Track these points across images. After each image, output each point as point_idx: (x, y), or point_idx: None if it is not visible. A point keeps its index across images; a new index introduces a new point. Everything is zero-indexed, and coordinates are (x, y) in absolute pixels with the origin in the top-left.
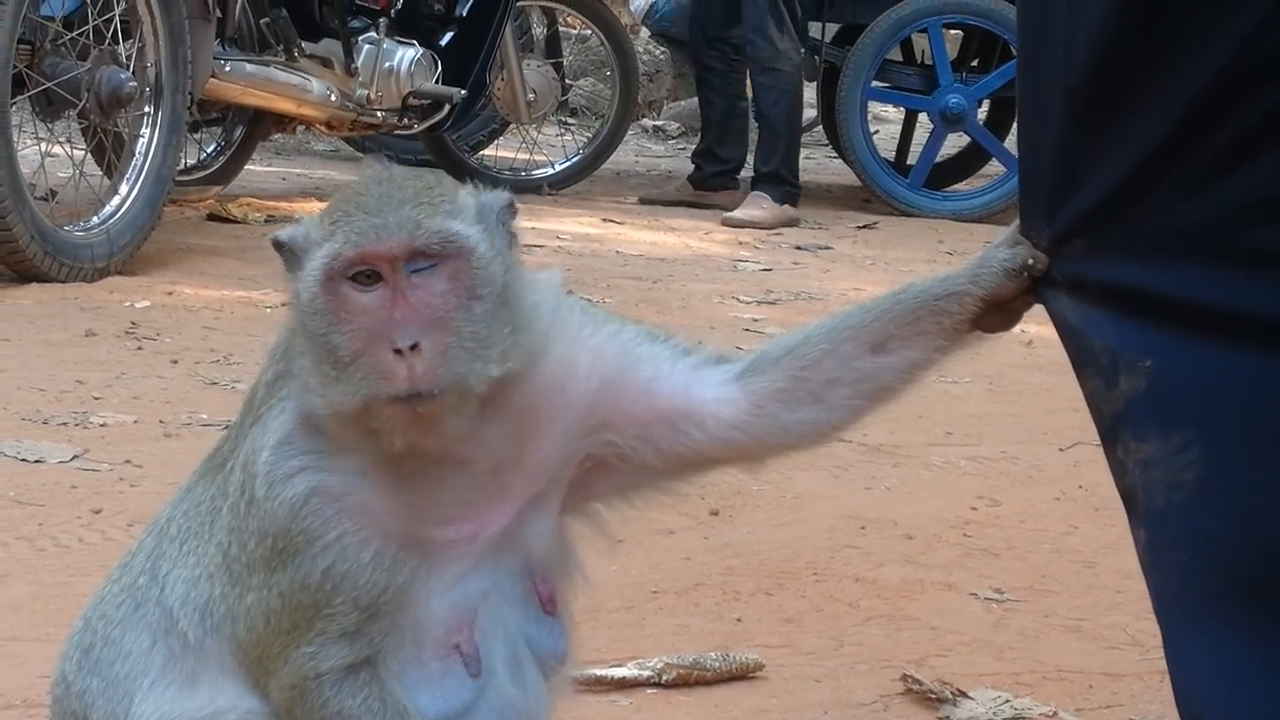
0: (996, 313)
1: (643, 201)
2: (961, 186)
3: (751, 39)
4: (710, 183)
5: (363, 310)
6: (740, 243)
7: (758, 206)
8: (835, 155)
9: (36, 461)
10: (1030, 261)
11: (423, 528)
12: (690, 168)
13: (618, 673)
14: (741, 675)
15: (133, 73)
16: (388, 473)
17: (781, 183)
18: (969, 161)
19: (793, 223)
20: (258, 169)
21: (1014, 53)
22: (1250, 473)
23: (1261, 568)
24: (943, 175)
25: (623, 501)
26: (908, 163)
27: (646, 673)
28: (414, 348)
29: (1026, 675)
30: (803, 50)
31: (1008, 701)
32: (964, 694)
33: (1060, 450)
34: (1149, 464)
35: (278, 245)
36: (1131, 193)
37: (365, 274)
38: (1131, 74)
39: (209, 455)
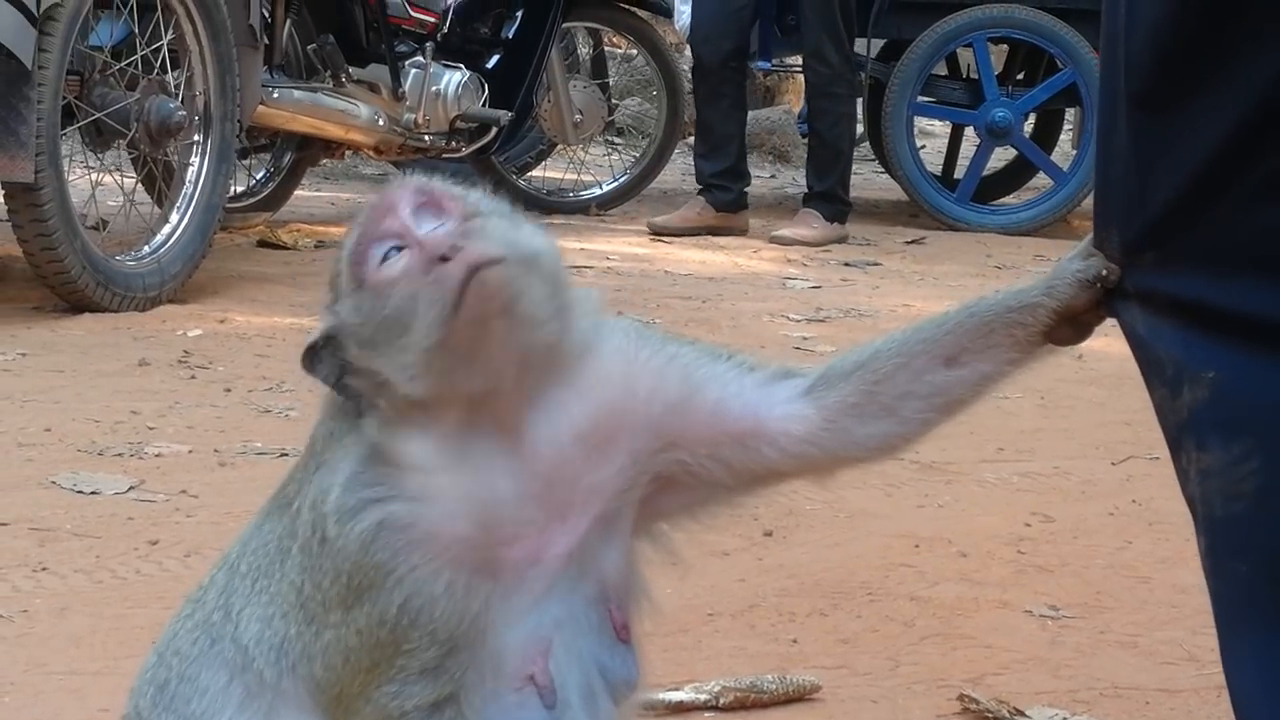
0: (1068, 325)
1: (653, 230)
2: (1009, 200)
3: (809, 63)
4: (736, 204)
5: (400, 273)
6: (789, 260)
7: (808, 225)
8: (882, 170)
9: (93, 493)
10: (1104, 273)
11: (489, 549)
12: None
13: (674, 696)
14: (798, 697)
15: (181, 101)
16: (457, 476)
17: (835, 201)
18: (1016, 175)
19: (842, 239)
20: (307, 194)
21: (1059, 65)
22: None
23: None
24: (990, 189)
25: (690, 519)
26: (955, 177)
27: (703, 696)
28: (453, 249)
29: (1083, 692)
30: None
31: (1065, 719)
32: (1021, 713)
33: (1113, 464)
34: (1209, 474)
35: (319, 345)
36: (1198, 204)
37: (389, 250)
38: (1190, 78)
39: (275, 494)
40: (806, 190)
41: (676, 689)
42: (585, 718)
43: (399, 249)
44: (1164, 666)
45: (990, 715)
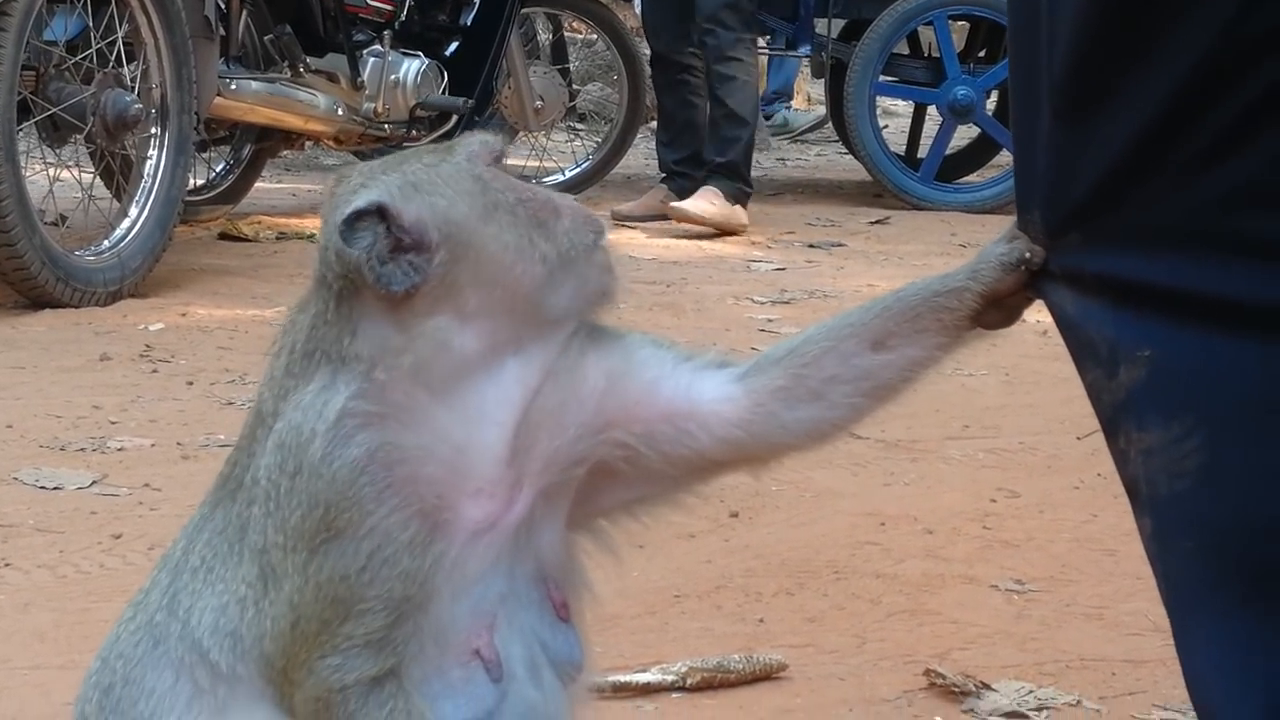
0: (996, 309)
1: (615, 218)
2: (973, 178)
3: (708, 28)
4: (749, 196)
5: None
6: (753, 243)
7: (708, 200)
8: (845, 151)
9: (55, 489)
10: (1027, 255)
11: (453, 502)
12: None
13: (641, 678)
14: (765, 676)
15: (138, 95)
16: (450, 412)
17: (737, 179)
18: (979, 153)
19: (740, 228)
20: (267, 186)
21: None
22: (1252, 460)
23: (1267, 556)
24: (953, 167)
25: (629, 517)
26: (918, 156)
27: (670, 677)
28: None
29: (1049, 665)
30: (808, 47)
31: (1031, 692)
32: (988, 686)
33: (1078, 439)
34: (1151, 453)
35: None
36: (1123, 183)
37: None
38: (1114, 63)
39: (218, 484)
40: (706, 165)
41: (643, 670)
42: (532, 691)
43: None
44: (1130, 638)
45: (957, 690)
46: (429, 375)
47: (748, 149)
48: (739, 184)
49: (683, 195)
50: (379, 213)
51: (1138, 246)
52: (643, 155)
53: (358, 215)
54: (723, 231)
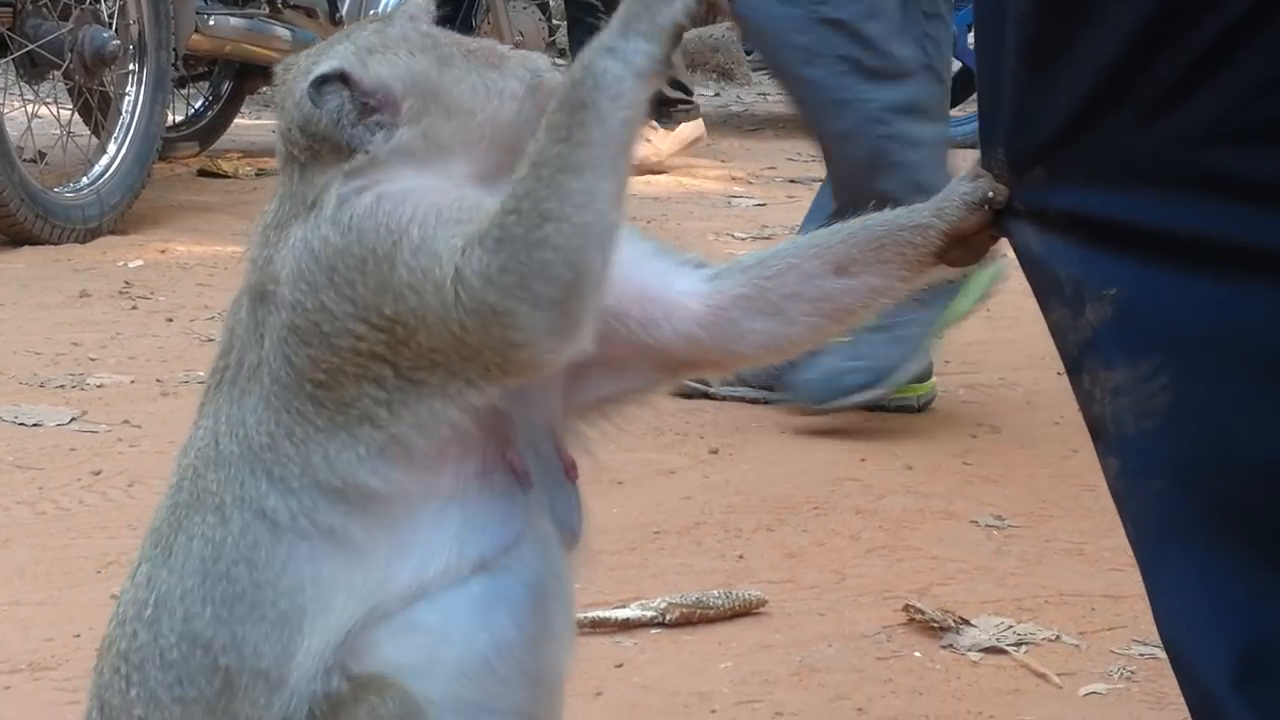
0: (961, 247)
1: None
2: (953, 113)
3: None
4: (676, 113)
5: None
6: (734, 178)
7: (647, 140)
8: None
9: (35, 425)
10: (990, 194)
11: None
12: None
13: (621, 614)
14: (745, 612)
15: (115, 31)
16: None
17: (667, 102)
18: (959, 88)
19: (698, 140)
20: (246, 122)
21: None
22: (1220, 398)
23: (1235, 494)
24: None
25: (603, 417)
26: None
27: (650, 613)
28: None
29: (1029, 600)
30: None
31: (1010, 627)
32: (966, 621)
33: (1058, 374)
34: (1118, 392)
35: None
36: (1089, 119)
37: None
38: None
39: (226, 379)
40: None
41: (623, 606)
42: (543, 525)
43: None
44: (1109, 573)
45: (935, 625)
46: (413, 167)
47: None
48: (673, 105)
49: (658, 117)
50: (341, 79)
51: (1104, 183)
52: None
53: (322, 80)
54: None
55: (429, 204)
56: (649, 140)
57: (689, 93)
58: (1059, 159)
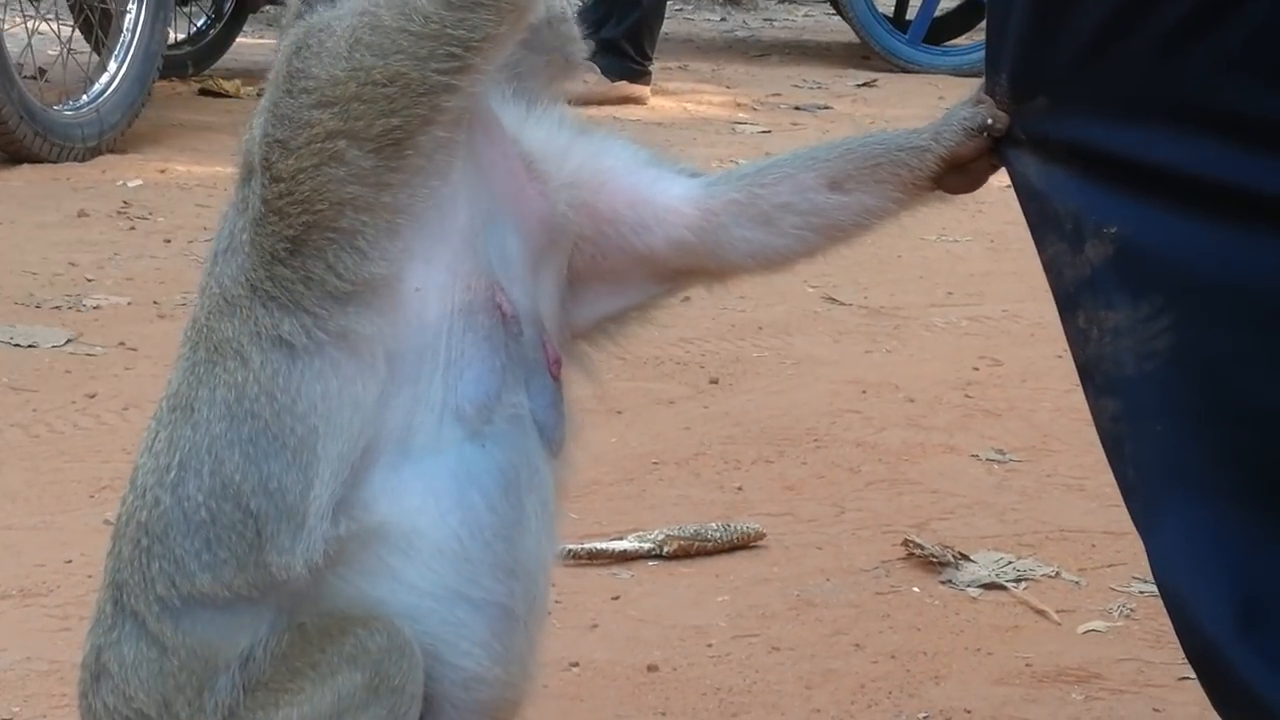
0: (960, 173)
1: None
2: (961, 40)
3: None
4: (624, 69)
5: None
6: (738, 105)
7: (583, 79)
8: (833, 13)
9: (30, 346)
10: (990, 121)
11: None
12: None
13: (618, 545)
14: (743, 545)
15: None
16: None
17: (618, 55)
18: (968, 15)
19: (624, 100)
20: (249, 41)
21: None
22: (1222, 344)
23: (1237, 440)
24: (942, 30)
25: (604, 335)
26: (906, 18)
27: (647, 545)
28: None
29: (1029, 536)
30: None
31: (1010, 563)
32: (965, 557)
33: None
34: (1119, 332)
35: None
36: (1098, 49)
37: None
38: None
39: (212, 261)
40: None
41: (620, 538)
42: (518, 410)
43: None
44: (1110, 509)
45: (934, 560)
46: None
47: (636, 27)
48: (624, 61)
49: (622, 76)
50: None
51: (1110, 115)
52: None
53: None
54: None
55: None
56: (585, 81)
57: (646, 59)
58: (1064, 88)
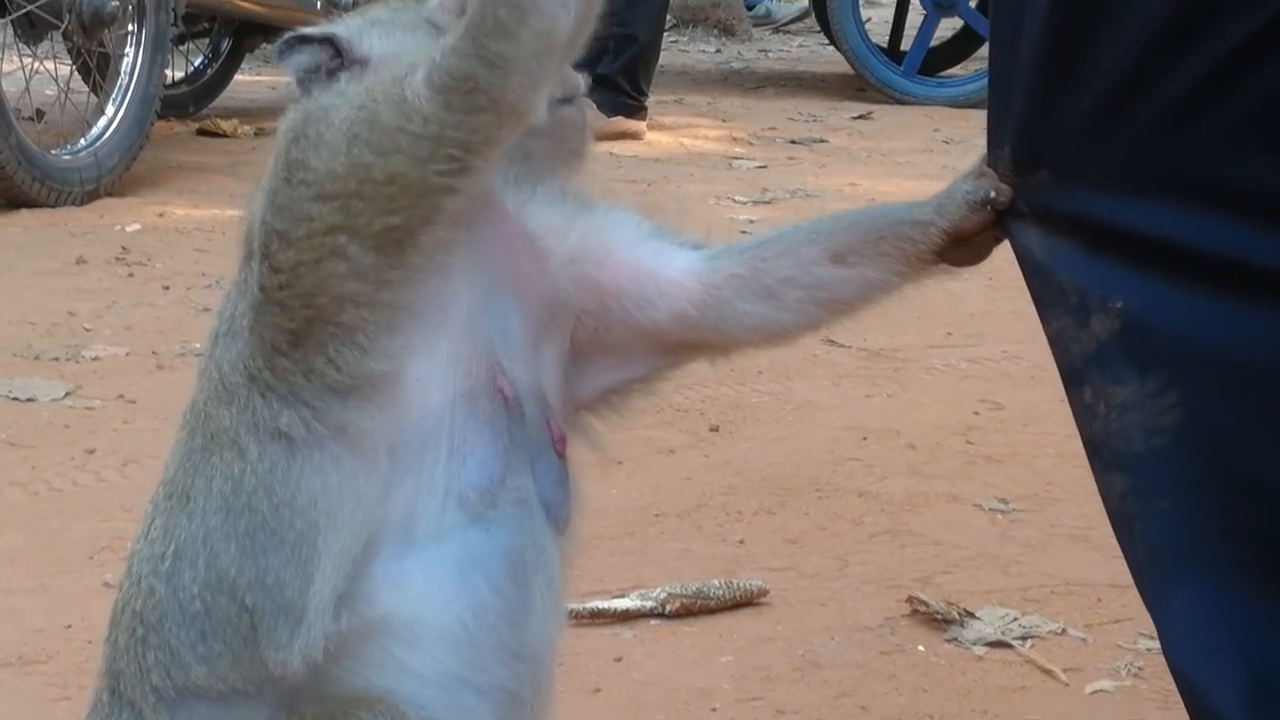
0: (963, 246)
1: None
2: (956, 71)
3: None
4: (620, 105)
5: None
6: (735, 139)
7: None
8: (828, 42)
9: (29, 400)
10: (993, 194)
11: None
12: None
13: (620, 604)
14: (746, 602)
15: None
16: None
17: (615, 91)
18: (962, 46)
19: (632, 136)
20: (246, 78)
21: None
22: (1231, 419)
23: (1247, 517)
24: (937, 60)
25: (609, 408)
26: (901, 49)
27: (649, 603)
28: None
29: (1034, 590)
30: None
31: (1015, 620)
32: (971, 614)
33: None
34: (1126, 407)
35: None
36: (1101, 122)
37: None
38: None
39: (212, 343)
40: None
41: (622, 596)
42: (524, 493)
43: None
44: (1115, 560)
45: (940, 617)
46: None
47: (633, 62)
48: (620, 96)
49: (617, 111)
50: (328, 42)
51: (1113, 188)
52: None
53: (302, 39)
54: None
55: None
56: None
57: (642, 94)
58: (1067, 161)
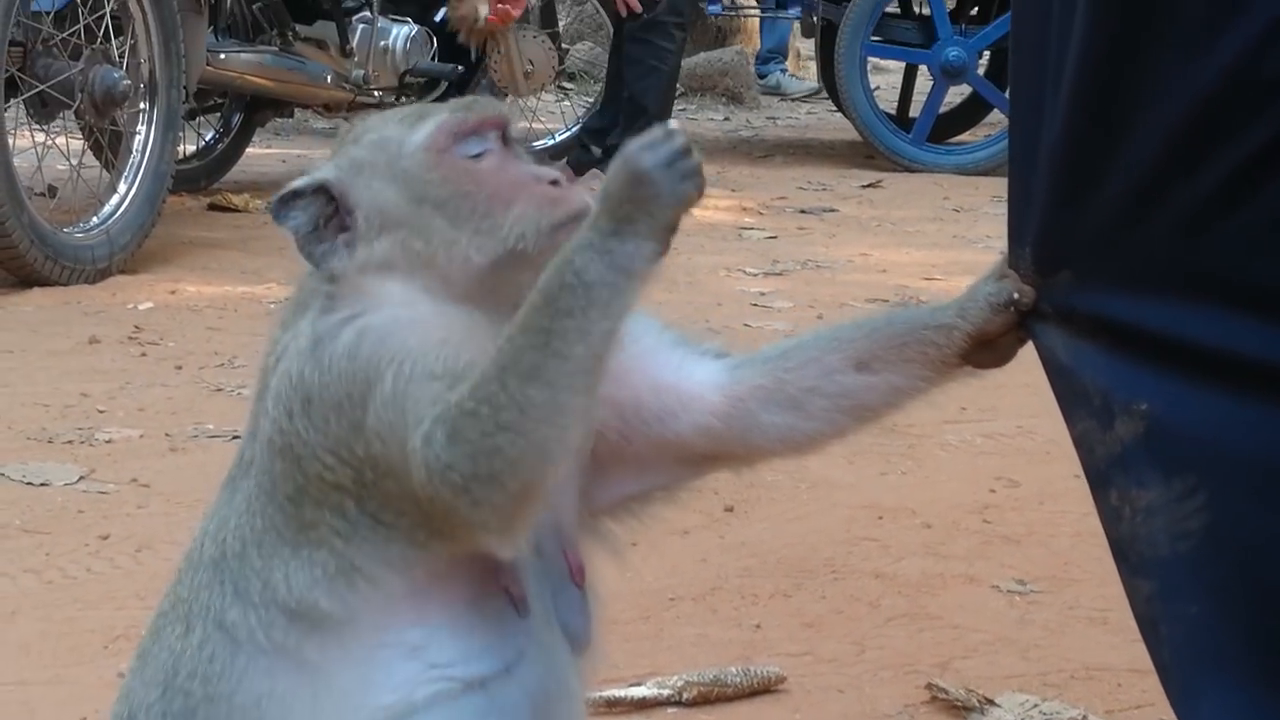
0: (987, 349)
1: None
2: (965, 138)
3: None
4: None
5: (489, 170)
6: (744, 209)
7: (589, 186)
8: (836, 110)
9: (42, 485)
10: (1016, 296)
11: None
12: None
13: (637, 693)
14: (763, 689)
15: (126, 70)
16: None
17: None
18: (971, 112)
19: None
20: (257, 152)
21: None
22: (1260, 523)
23: (1275, 624)
24: (945, 127)
25: (628, 515)
26: (910, 116)
27: (666, 692)
28: (557, 181)
29: (1053, 675)
30: (798, 8)
31: (1035, 706)
32: (991, 701)
33: None
34: (1152, 511)
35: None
36: (1122, 224)
37: (472, 147)
38: (1114, 101)
39: (228, 478)
40: (603, 146)
41: (639, 684)
42: (548, 633)
43: (481, 153)
44: (1135, 644)
45: (959, 705)
46: (394, 284)
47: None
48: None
49: (578, 169)
50: (324, 190)
51: (1136, 289)
52: None
53: (294, 194)
54: None
55: (409, 347)
56: (593, 188)
57: None
58: (1090, 262)
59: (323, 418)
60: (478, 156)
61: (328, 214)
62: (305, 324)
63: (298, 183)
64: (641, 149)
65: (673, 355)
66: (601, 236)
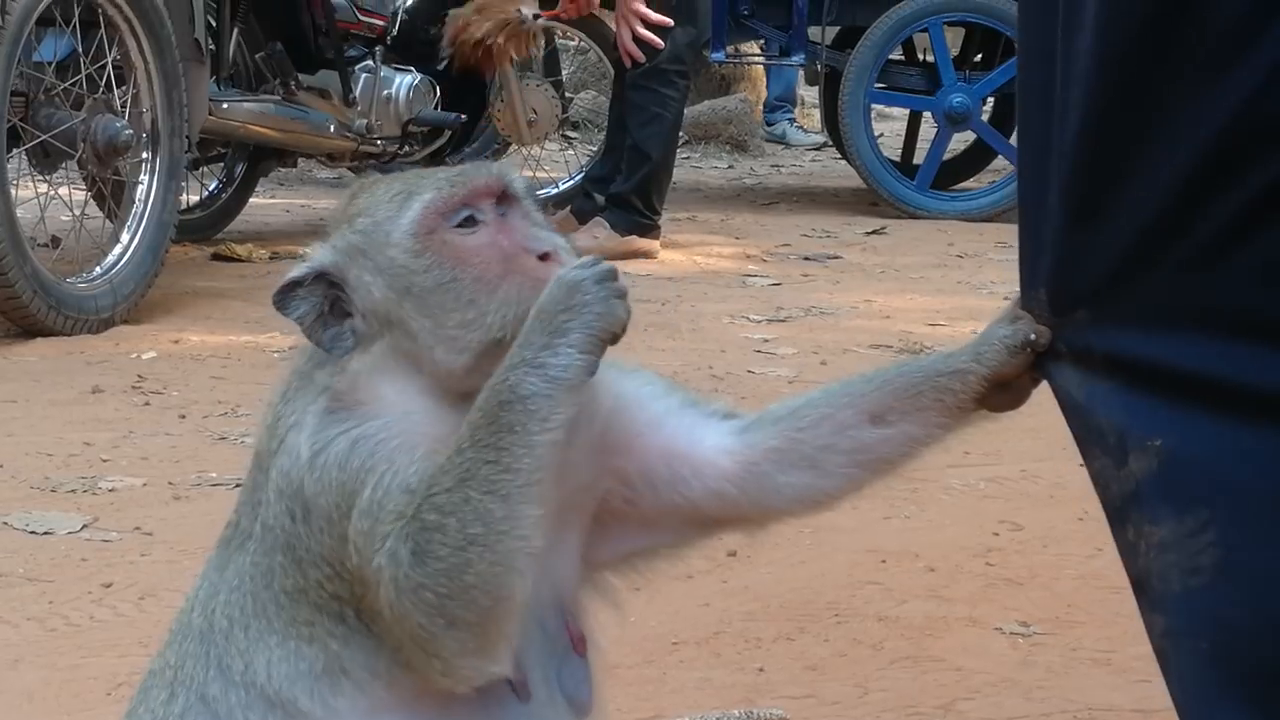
0: (1003, 391)
1: None
2: (969, 184)
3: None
4: (633, 225)
5: (479, 246)
6: (748, 256)
7: (592, 234)
8: (839, 157)
9: (45, 534)
10: (1032, 337)
11: None
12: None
13: None
14: None
15: (128, 120)
16: (436, 423)
17: (628, 210)
18: (975, 159)
19: (646, 255)
20: (261, 201)
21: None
22: (1270, 558)
23: None
24: (949, 173)
25: (630, 569)
26: (914, 163)
27: None
28: (547, 255)
29: (1056, 716)
30: (802, 55)
31: None
32: None
33: (1080, 465)
34: (1164, 547)
35: (308, 278)
36: (1136, 261)
37: (464, 219)
38: (1126, 141)
39: (227, 537)
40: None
41: None
42: (550, 714)
43: (475, 223)
44: (1138, 685)
45: None
46: (389, 387)
47: (645, 182)
48: (633, 215)
49: (580, 218)
50: (323, 276)
51: (1150, 326)
52: None
53: (294, 284)
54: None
55: (391, 452)
56: (595, 236)
57: (655, 213)
58: (1105, 300)
59: (319, 528)
60: (472, 227)
61: (331, 297)
62: (308, 420)
63: (296, 272)
64: (576, 267)
65: (682, 420)
66: (534, 351)
